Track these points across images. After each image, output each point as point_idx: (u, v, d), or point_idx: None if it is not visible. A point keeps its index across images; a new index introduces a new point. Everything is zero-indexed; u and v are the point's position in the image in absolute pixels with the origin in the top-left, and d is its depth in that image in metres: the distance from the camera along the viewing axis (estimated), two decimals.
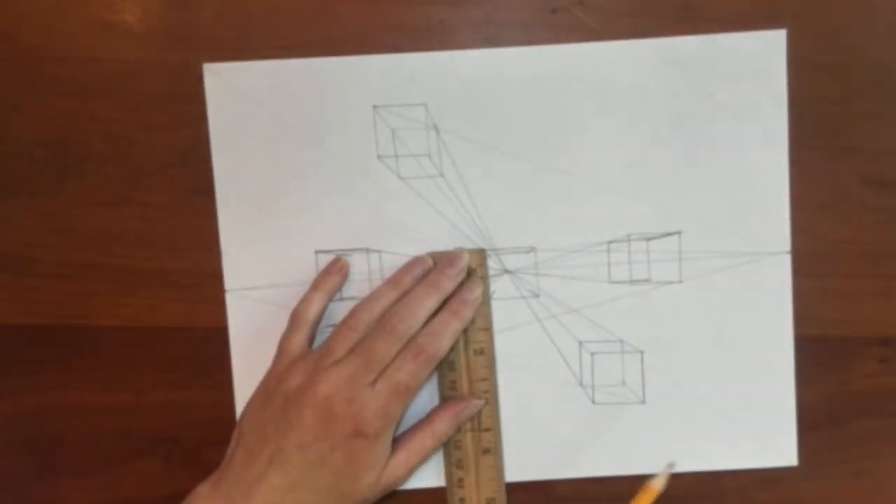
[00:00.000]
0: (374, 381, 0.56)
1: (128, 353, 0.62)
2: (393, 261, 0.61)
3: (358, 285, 0.62)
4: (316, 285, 0.61)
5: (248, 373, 0.61)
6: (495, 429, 0.61)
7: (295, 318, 0.60)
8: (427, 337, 0.58)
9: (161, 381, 0.63)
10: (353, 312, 0.59)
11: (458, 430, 0.61)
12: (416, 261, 0.60)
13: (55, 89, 0.61)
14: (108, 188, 0.62)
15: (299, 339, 0.60)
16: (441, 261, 0.60)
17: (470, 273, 0.60)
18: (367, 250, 0.61)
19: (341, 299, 0.62)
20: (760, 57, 0.60)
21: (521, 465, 0.62)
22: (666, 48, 0.60)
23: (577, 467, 0.62)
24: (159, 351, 0.62)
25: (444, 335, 0.58)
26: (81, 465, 0.63)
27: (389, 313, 0.58)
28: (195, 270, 0.62)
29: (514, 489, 0.62)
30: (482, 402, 0.61)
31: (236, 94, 0.60)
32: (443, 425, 0.60)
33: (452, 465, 0.61)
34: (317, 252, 0.61)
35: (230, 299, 0.62)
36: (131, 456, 0.63)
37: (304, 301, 0.60)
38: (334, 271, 0.61)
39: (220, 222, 0.61)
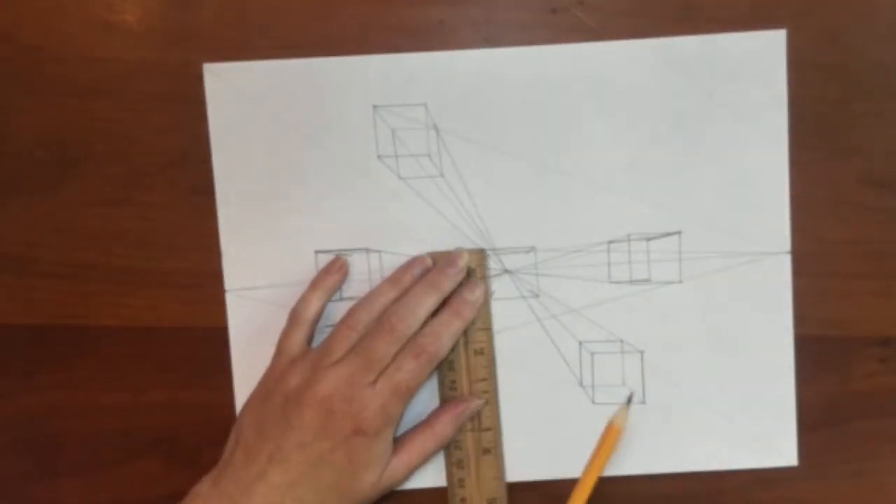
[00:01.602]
0: (374, 381, 0.56)
1: (128, 353, 0.62)
2: (393, 261, 0.61)
3: (358, 285, 0.61)
4: (315, 284, 0.61)
5: (247, 373, 0.61)
6: (495, 429, 0.61)
7: (294, 317, 0.60)
8: (428, 337, 0.58)
9: (161, 381, 0.63)
10: (352, 312, 0.59)
11: (459, 429, 0.61)
12: (415, 260, 0.60)
13: (55, 89, 0.61)
14: (108, 188, 0.62)
15: (298, 338, 0.59)
16: (441, 260, 0.60)
17: (470, 273, 0.60)
18: (367, 250, 0.61)
19: (341, 299, 0.62)
20: (760, 57, 0.60)
21: (520, 465, 0.62)
22: (666, 48, 0.60)
23: (576, 467, 0.62)
24: (159, 351, 0.62)
25: (446, 335, 0.58)
26: (81, 465, 0.63)
27: (389, 312, 0.58)
28: (195, 270, 0.62)
29: (514, 489, 0.62)
30: (482, 401, 0.61)
31: (236, 94, 0.60)
32: (444, 427, 0.60)
33: (453, 466, 0.61)
34: (317, 252, 0.61)
35: (230, 299, 0.62)
36: (131, 456, 0.63)
37: (303, 300, 0.60)
38: (334, 270, 0.61)
39: (220, 222, 0.61)
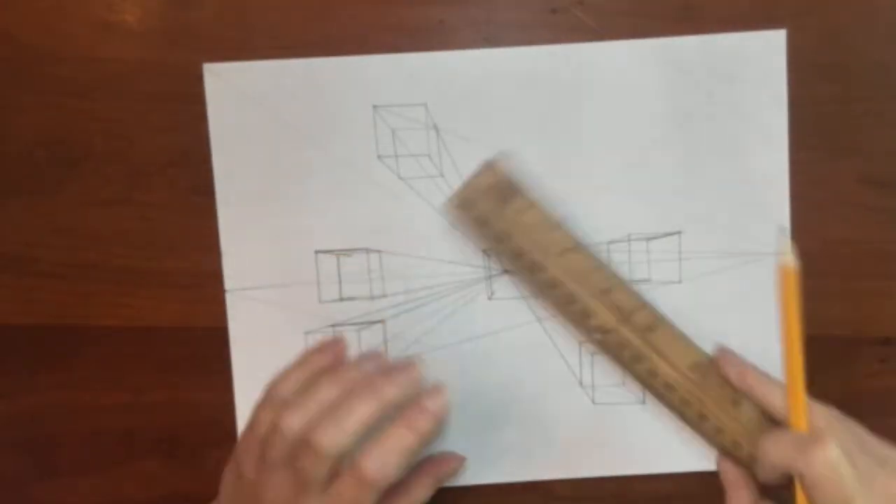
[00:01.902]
0: (319, 494, 0.49)
1: (128, 353, 0.62)
2: (392, 261, 0.61)
3: (358, 286, 0.61)
4: (302, 363, 0.55)
5: (248, 373, 0.62)
6: (647, 306, 0.58)
7: (267, 394, 0.53)
8: (371, 461, 0.49)
9: (161, 381, 0.63)
10: (280, 417, 0.50)
11: (612, 330, 0.57)
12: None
13: (55, 89, 0.61)
14: (108, 188, 0.62)
15: (268, 419, 0.52)
16: (390, 365, 0.53)
17: None
18: (367, 250, 0.61)
19: (341, 300, 0.62)
20: (760, 57, 0.60)
21: (521, 465, 0.62)
22: (666, 48, 0.60)
23: (577, 468, 0.62)
24: (159, 351, 0.62)
25: (393, 457, 0.49)
26: (81, 465, 0.63)
27: (313, 424, 0.49)
28: (195, 270, 0.62)
29: (514, 489, 0.62)
30: (463, 460, 0.60)
31: (236, 94, 0.60)
32: (425, 490, 0.57)
33: (627, 363, 0.58)
34: (316, 252, 0.61)
35: (230, 299, 0.62)
36: (131, 456, 0.63)
37: (284, 377, 0.54)
38: (326, 350, 0.55)
39: (220, 222, 0.61)
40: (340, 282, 0.61)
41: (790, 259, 0.56)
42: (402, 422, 0.50)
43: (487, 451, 0.62)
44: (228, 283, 0.62)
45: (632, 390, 0.62)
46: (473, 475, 0.62)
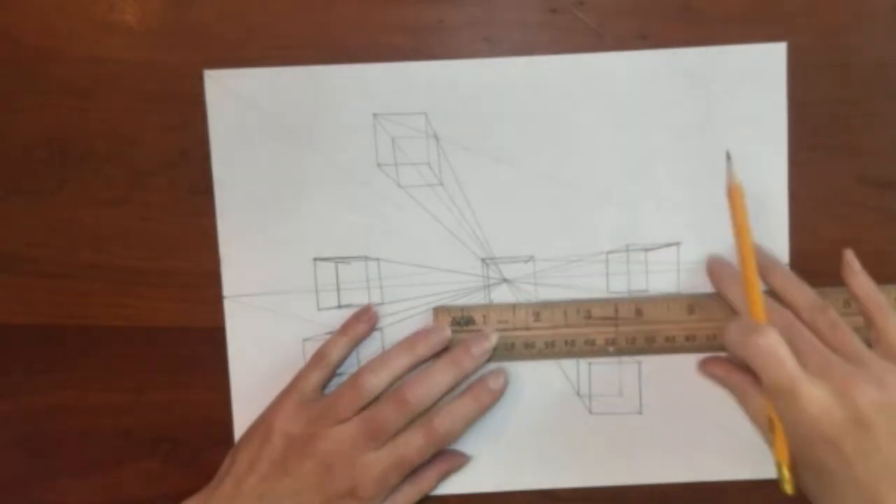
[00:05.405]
0: (378, 448, 0.57)
1: (128, 353, 0.63)
2: (392, 269, 0.61)
3: (356, 294, 0.61)
4: (344, 330, 0.60)
5: (245, 380, 0.62)
6: (620, 300, 0.61)
7: (317, 357, 0.60)
8: (443, 418, 0.57)
9: (161, 381, 0.63)
10: (362, 374, 0.58)
11: (616, 338, 0.61)
12: (433, 329, 0.60)
13: (55, 89, 0.61)
14: (108, 188, 0.62)
15: (316, 380, 0.59)
16: (469, 339, 0.60)
17: None
18: (366, 258, 0.61)
19: (339, 307, 0.62)
20: (761, 68, 0.60)
21: (521, 474, 0.62)
22: (667, 59, 0.60)
23: (575, 477, 0.62)
24: (159, 351, 0.62)
25: (461, 419, 0.58)
26: (81, 465, 0.63)
27: (404, 386, 0.57)
28: (195, 270, 0.62)
29: (514, 498, 0.63)
30: (467, 458, 0.62)
31: (237, 100, 0.60)
32: (431, 482, 0.60)
33: (646, 350, 0.61)
34: (315, 259, 0.61)
35: (228, 305, 0.62)
36: (131, 456, 0.63)
37: (330, 343, 0.60)
38: (363, 319, 0.61)
39: (219, 229, 0.61)
40: (339, 289, 0.62)
41: (736, 180, 0.58)
42: (471, 394, 0.59)
43: (485, 460, 0.62)
44: (227, 290, 0.62)
45: (629, 400, 0.62)
46: (468, 483, 0.62)
